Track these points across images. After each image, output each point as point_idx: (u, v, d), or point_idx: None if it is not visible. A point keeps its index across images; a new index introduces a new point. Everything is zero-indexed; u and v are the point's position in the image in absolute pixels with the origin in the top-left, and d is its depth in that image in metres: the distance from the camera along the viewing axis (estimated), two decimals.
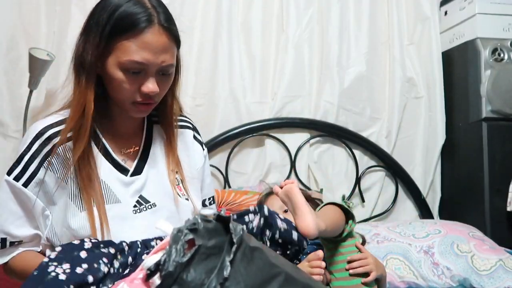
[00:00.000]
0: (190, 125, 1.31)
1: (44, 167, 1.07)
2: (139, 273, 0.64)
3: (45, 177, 1.07)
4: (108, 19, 1.01)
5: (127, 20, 1.01)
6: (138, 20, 1.01)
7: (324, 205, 1.22)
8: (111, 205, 1.07)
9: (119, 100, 1.08)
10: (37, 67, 1.76)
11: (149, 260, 0.63)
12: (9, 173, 1.07)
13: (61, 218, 1.06)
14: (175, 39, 1.07)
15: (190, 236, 0.63)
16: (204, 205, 1.31)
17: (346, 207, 1.23)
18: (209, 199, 1.35)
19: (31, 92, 1.82)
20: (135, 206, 1.10)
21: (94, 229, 1.03)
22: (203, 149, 1.32)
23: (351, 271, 1.19)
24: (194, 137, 1.30)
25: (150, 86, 1.04)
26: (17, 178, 1.06)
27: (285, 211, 1.51)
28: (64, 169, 1.07)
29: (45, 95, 1.89)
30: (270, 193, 1.60)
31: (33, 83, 1.80)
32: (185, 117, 1.32)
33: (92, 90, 1.05)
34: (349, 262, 1.21)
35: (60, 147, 1.07)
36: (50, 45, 1.90)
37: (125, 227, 1.07)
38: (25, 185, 1.06)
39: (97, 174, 1.08)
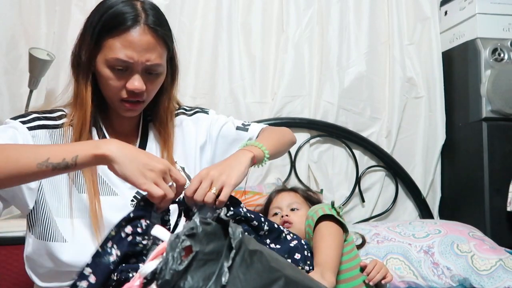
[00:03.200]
0: (181, 110, 1.34)
1: (48, 132, 1.09)
2: (136, 281, 0.63)
3: (44, 139, 1.07)
4: (99, 19, 1.06)
5: (115, 19, 1.05)
6: (124, 19, 1.05)
7: (318, 221, 1.24)
8: (107, 197, 1.10)
9: (108, 97, 1.12)
10: (37, 67, 1.76)
11: (146, 267, 0.62)
12: (13, 118, 1.08)
13: (66, 198, 1.08)
14: (163, 41, 1.10)
15: (188, 243, 0.62)
16: (246, 127, 1.35)
17: (340, 219, 1.25)
18: (242, 124, 1.36)
19: (31, 92, 1.82)
20: (132, 200, 1.12)
21: (94, 211, 1.05)
22: (205, 112, 1.35)
23: (371, 282, 1.21)
24: (188, 115, 1.33)
25: (135, 83, 1.07)
26: (22, 122, 1.06)
27: (292, 210, 1.51)
28: None
29: (45, 95, 1.89)
30: (280, 190, 1.61)
31: (33, 83, 1.80)
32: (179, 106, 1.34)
33: (89, 88, 1.10)
34: (362, 270, 1.24)
35: (66, 128, 1.10)
36: (50, 45, 1.90)
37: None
38: (29, 129, 1.06)
39: (95, 168, 1.10)
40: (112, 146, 0.91)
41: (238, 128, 1.34)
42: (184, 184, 0.96)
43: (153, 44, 1.07)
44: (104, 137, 1.16)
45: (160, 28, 1.09)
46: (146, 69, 1.08)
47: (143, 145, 1.21)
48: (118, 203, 1.10)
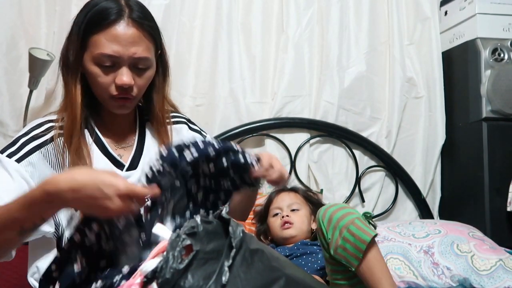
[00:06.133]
0: (184, 119, 1.33)
1: (41, 152, 1.07)
2: (137, 278, 0.63)
3: (39, 161, 1.06)
4: (84, 17, 1.06)
5: (98, 15, 1.05)
6: (108, 15, 1.04)
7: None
8: None
9: (98, 95, 1.11)
10: (37, 67, 1.76)
11: (147, 266, 0.62)
12: (2, 151, 1.06)
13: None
14: (149, 34, 1.09)
15: (188, 242, 0.62)
16: None
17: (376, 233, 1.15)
18: None
19: (31, 92, 1.82)
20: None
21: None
22: (204, 136, 1.34)
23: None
24: (190, 128, 1.32)
25: (123, 78, 1.05)
26: (10, 155, 1.05)
27: (292, 210, 1.52)
28: (59, 160, 1.08)
29: (45, 95, 1.89)
30: (280, 190, 1.61)
31: (33, 83, 1.80)
32: (179, 113, 1.33)
33: (78, 87, 1.09)
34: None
35: (57, 139, 1.08)
36: (50, 45, 1.90)
37: None
38: (18, 161, 1.05)
39: (89, 166, 1.08)
40: (64, 201, 0.85)
41: None
42: (144, 196, 0.86)
43: (138, 37, 1.06)
44: (98, 138, 1.14)
45: (145, 21, 1.08)
46: (133, 63, 1.07)
47: (141, 143, 1.20)
48: None
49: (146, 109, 1.22)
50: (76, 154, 1.07)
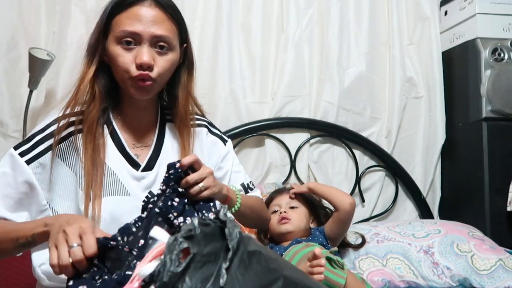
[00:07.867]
0: (205, 122, 1.32)
1: (54, 151, 1.07)
2: (134, 283, 0.63)
3: (51, 162, 1.06)
4: (110, 3, 1.09)
5: None
6: None
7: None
8: (120, 197, 1.09)
9: (119, 78, 1.11)
10: (37, 67, 1.77)
11: (144, 269, 0.62)
12: (16, 147, 1.07)
13: (74, 208, 1.07)
14: (172, 17, 1.10)
15: (185, 245, 0.62)
16: (248, 189, 1.35)
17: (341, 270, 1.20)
18: (249, 184, 1.36)
19: (31, 92, 1.82)
20: (144, 201, 1.10)
21: (86, 214, 1.03)
22: (224, 141, 1.33)
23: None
24: (210, 131, 1.31)
25: (143, 57, 1.05)
26: (22, 154, 1.06)
27: (291, 208, 1.52)
28: (74, 157, 1.08)
29: (45, 95, 1.89)
30: (282, 190, 1.62)
31: (33, 83, 1.80)
32: (202, 115, 1.32)
33: (91, 68, 1.09)
34: None
35: (76, 135, 1.09)
36: (50, 45, 1.90)
37: None
38: (28, 162, 1.05)
39: (102, 159, 1.09)
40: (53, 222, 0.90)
41: (242, 184, 1.34)
42: (90, 255, 0.82)
43: (160, 18, 1.07)
44: (114, 132, 1.14)
45: (169, 4, 1.10)
46: (154, 42, 1.07)
47: (159, 144, 1.19)
48: (130, 204, 1.08)
49: (169, 107, 1.22)
50: (89, 142, 1.07)
